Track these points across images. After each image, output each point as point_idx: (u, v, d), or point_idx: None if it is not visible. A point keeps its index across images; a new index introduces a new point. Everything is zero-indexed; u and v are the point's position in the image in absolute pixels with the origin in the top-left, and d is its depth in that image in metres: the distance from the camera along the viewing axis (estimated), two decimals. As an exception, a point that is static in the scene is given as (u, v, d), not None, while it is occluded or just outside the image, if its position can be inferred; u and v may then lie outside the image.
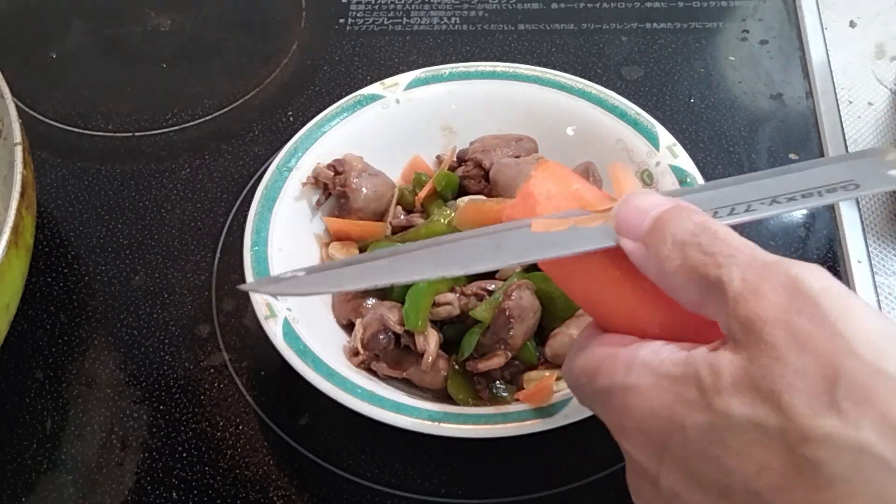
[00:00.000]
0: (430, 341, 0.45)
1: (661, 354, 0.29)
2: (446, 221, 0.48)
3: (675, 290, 0.30)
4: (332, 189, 0.52)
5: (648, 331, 0.32)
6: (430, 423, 0.42)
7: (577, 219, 0.34)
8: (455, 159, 0.55)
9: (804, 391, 0.25)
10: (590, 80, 0.55)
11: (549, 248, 0.33)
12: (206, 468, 0.48)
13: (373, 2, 0.72)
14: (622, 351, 0.31)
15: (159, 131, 0.65)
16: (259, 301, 0.46)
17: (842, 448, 0.24)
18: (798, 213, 0.58)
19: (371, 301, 0.49)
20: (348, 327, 0.49)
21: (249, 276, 0.47)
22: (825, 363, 0.25)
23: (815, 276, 0.27)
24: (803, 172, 0.35)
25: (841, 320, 0.25)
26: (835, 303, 0.26)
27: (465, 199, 0.51)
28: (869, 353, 0.25)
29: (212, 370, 0.52)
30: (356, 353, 0.46)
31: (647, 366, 0.29)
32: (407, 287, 0.47)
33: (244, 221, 0.50)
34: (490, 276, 0.48)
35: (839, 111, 0.62)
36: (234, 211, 0.59)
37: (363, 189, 0.51)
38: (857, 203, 0.57)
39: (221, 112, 0.65)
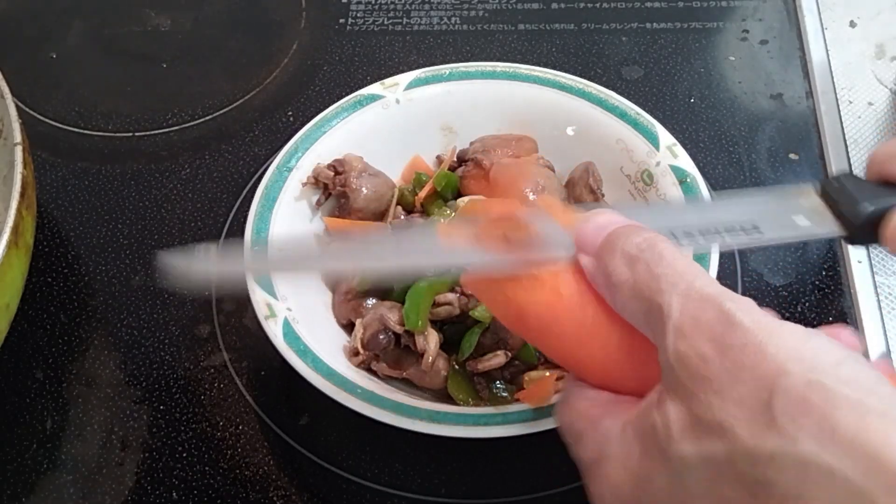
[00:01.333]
0: (430, 341, 0.45)
1: (619, 410, 0.31)
2: (446, 221, 0.48)
3: (622, 305, 0.31)
4: (332, 189, 0.52)
5: (616, 376, 0.33)
6: (430, 423, 0.42)
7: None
8: (455, 159, 0.55)
9: (744, 417, 0.25)
10: (590, 80, 0.55)
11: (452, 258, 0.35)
12: (206, 468, 0.48)
13: (373, 2, 0.72)
14: (600, 424, 0.31)
15: (159, 131, 0.65)
16: (259, 301, 0.46)
17: (787, 464, 0.24)
18: (798, 213, 0.57)
19: (371, 301, 0.49)
20: (348, 327, 0.49)
21: (249, 276, 0.47)
22: (760, 386, 0.26)
23: (746, 309, 0.28)
24: (717, 205, 0.36)
25: (770, 345, 0.26)
26: (764, 331, 0.27)
27: (465, 199, 0.51)
28: (798, 367, 0.25)
29: (212, 370, 0.52)
30: (356, 353, 0.46)
31: (616, 436, 0.30)
32: (407, 287, 0.47)
33: (244, 221, 0.49)
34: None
35: (839, 111, 0.62)
36: (234, 211, 0.59)
37: (363, 189, 0.51)
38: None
39: (221, 112, 0.65)
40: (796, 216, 0.36)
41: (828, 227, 0.37)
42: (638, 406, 0.30)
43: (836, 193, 0.37)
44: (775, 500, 0.25)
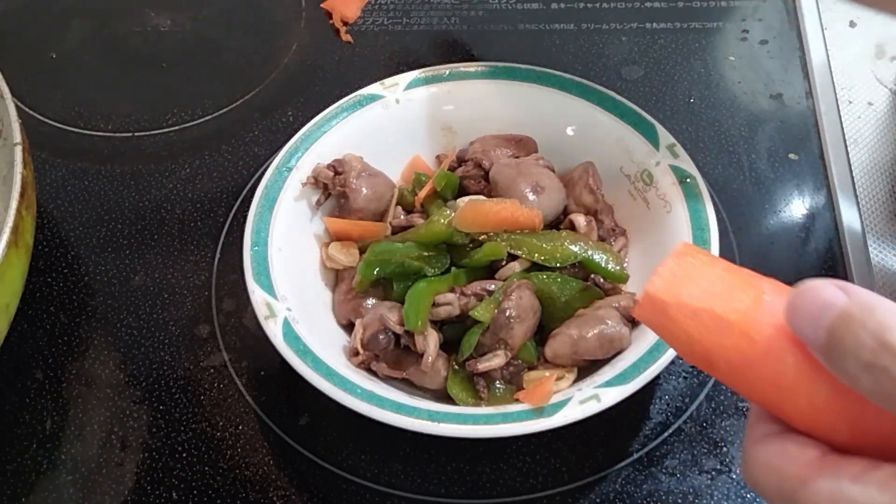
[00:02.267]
0: (430, 341, 0.45)
1: (869, 486, 0.26)
2: (446, 222, 0.48)
3: (877, 401, 0.27)
4: (332, 189, 0.52)
5: (824, 427, 0.29)
6: (430, 423, 0.42)
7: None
8: (455, 159, 0.55)
9: None
10: (590, 80, 0.55)
11: None
12: (206, 468, 0.48)
13: (373, 2, 0.72)
14: (821, 482, 0.27)
15: (159, 131, 0.64)
16: (259, 301, 0.46)
17: None
18: (798, 214, 0.58)
19: (371, 301, 0.49)
20: (348, 327, 0.49)
21: (249, 276, 0.47)
22: None
23: None
24: None
25: None
26: None
27: (465, 199, 0.51)
28: None
29: (212, 370, 0.52)
30: (356, 353, 0.46)
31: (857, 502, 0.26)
32: (407, 287, 0.47)
33: (244, 221, 0.50)
34: (490, 276, 0.48)
35: (839, 111, 0.62)
36: (234, 211, 0.59)
37: (363, 189, 0.51)
38: (857, 203, 0.57)
39: (221, 112, 0.65)
40: None
41: None
42: (890, 478, 0.26)
43: None
44: None
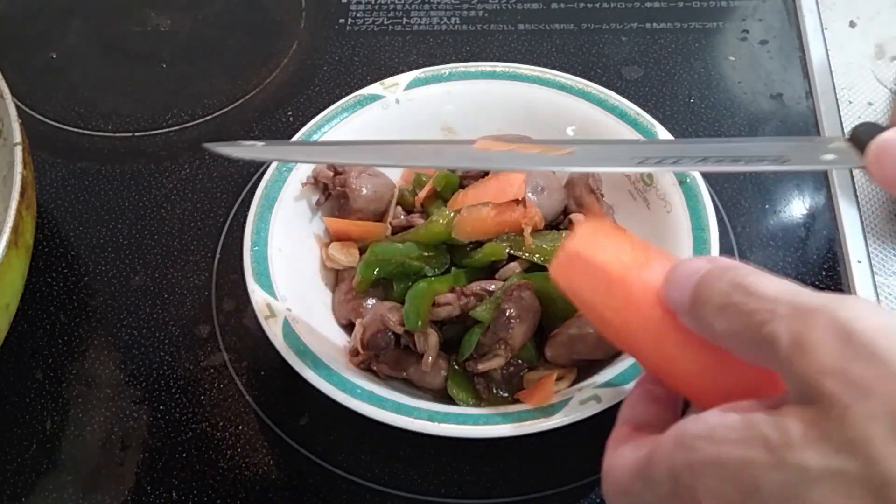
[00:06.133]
0: (430, 341, 0.45)
1: (708, 423, 0.29)
2: (445, 222, 0.48)
3: (735, 351, 0.30)
4: (332, 189, 0.52)
5: (710, 394, 0.32)
6: (430, 423, 0.42)
7: (518, 145, 0.34)
8: (455, 159, 0.55)
9: (879, 436, 0.25)
10: (590, 80, 0.55)
11: (483, 161, 0.35)
12: (206, 468, 0.48)
13: (373, 2, 0.72)
14: (663, 437, 0.30)
15: (159, 131, 0.65)
16: (259, 301, 0.46)
17: None
18: (798, 214, 0.58)
19: (371, 301, 0.49)
20: (348, 327, 0.49)
21: (249, 276, 0.47)
22: (891, 400, 0.25)
23: (863, 315, 0.26)
24: (744, 143, 0.36)
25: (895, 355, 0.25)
26: (890, 340, 0.25)
27: (463, 195, 0.51)
28: None
29: (212, 370, 0.52)
30: (356, 353, 0.46)
31: (699, 438, 0.28)
32: (407, 287, 0.47)
33: (244, 221, 0.49)
34: (490, 276, 0.48)
35: (839, 111, 0.62)
36: (234, 211, 0.59)
37: (363, 189, 0.51)
38: (857, 203, 0.57)
39: (221, 112, 0.65)
40: (824, 154, 0.36)
41: (852, 160, 0.36)
42: (724, 414, 0.28)
43: (859, 131, 0.37)
44: None
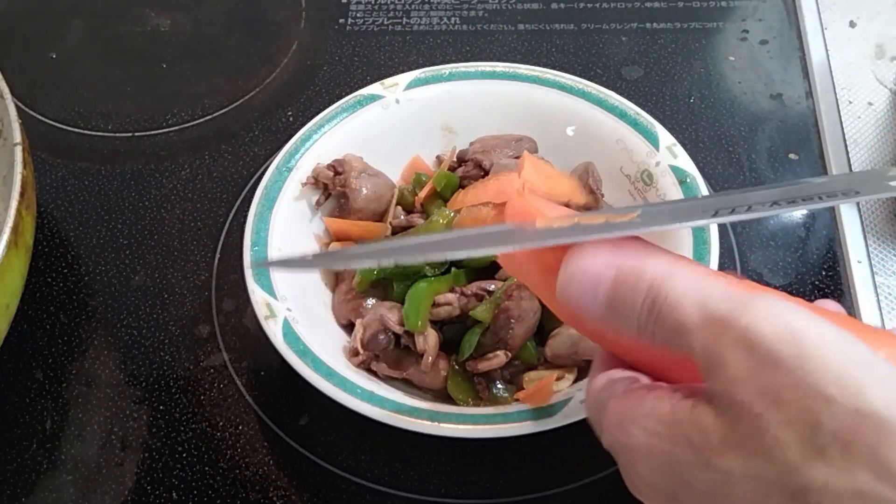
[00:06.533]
0: (430, 341, 0.45)
1: (645, 408, 0.29)
2: (445, 222, 0.48)
3: (653, 346, 0.30)
4: (332, 189, 0.52)
5: (645, 360, 0.32)
6: (430, 423, 0.42)
7: (581, 216, 0.34)
8: (455, 159, 0.55)
9: (792, 443, 0.25)
10: (590, 80, 0.55)
11: (552, 238, 0.33)
12: (206, 468, 0.48)
13: (373, 2, 0.72)
14: (613, 403, 0.31)
15: (159, 131, 0.65)
16: (259, 301, 0.46)
17: (841, 495, 0.24)
18: (798, 214, 0.58)
19: (371, 301, 0.49)
20: (348, 327, 0.49)
21: (249, 276, 0.47)
22: (803, 410, 0.25)
23: (767, 321, 0.26)
24: (805, 183, 0.35)
25: (806, 364, 0.25)
26: (792, 347, 0.25)
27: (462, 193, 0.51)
28: (842, 393, 0.24)
29: (212, 370, 0.52)
30: (356, 353, 0.46)
31: (635, 425, 0.29)
32: (407, 287, 0.47)
33: (244, 221, 0.50)
34: (490, 276, 0.48)
35: (839, 111, 0.62)
36: (234, 211, 0.59)
37: (363, 189, 0.51)
38: (857, 204, 0.57)
39: (221, 112, 0.65)
40: (891, 181, 0.36)
41: None
42: (663, 399, 0.29)
43: None
44: None
